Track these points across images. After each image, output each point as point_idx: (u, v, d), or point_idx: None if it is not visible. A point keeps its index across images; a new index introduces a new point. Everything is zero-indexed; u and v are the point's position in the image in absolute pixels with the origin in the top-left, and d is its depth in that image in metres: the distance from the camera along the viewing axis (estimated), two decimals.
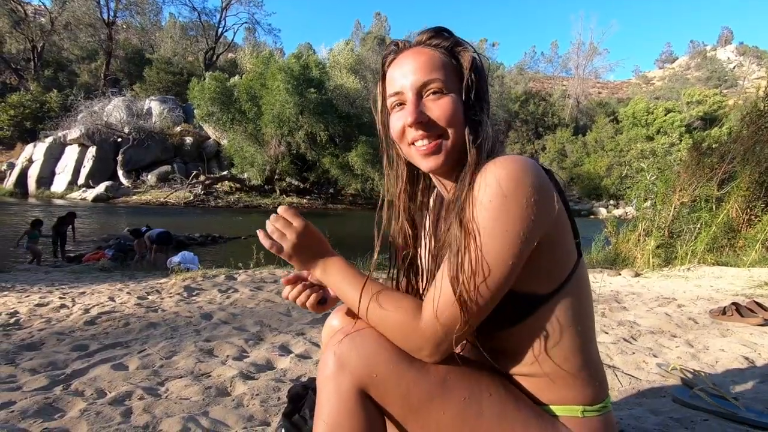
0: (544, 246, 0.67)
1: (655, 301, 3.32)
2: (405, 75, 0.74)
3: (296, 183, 26.37)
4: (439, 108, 0.72)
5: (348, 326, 0.76)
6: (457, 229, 0.67)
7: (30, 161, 25.71)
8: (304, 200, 25.73)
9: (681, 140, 31.49)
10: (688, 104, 37.94)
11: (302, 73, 22.57)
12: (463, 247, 0.65)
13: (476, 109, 0.73)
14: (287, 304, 3.26)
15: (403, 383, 0.69)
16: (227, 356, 2.14)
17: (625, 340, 2.33)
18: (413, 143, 0.75)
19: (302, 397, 1.19)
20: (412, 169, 0.84)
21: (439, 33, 0.76)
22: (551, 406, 0.75)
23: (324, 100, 23.25)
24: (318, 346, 2.28)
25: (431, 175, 0.83)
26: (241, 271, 4.80)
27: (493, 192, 0.64)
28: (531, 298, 0.70)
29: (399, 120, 0.75)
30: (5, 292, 4.03)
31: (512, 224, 0.63)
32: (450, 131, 0.73)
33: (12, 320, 2.98)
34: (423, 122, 0.73)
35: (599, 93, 64.05)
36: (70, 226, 9.33)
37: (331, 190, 26.66)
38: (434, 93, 0.73)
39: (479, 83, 0.74)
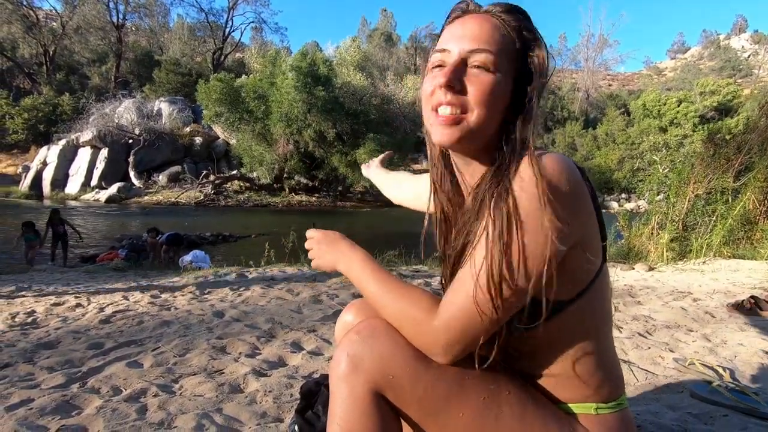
0: (574, 251, 0.64)
1: (670, 295, 3.26)
2: (458, 36, 0.67)
3: (305, 181, 26.47)
4: (478, 83, 0.65)
5: (361, 323, 0.74)
6: (482, 229, 0.64)
7: (44, 164, 26.16)
8: (313, 198, 25.81)
9: (694, 131, 30.91)
10: (701, 95, 37.21)
11: (310, 71, 22.60)
12: (489, 248, 0.62)
13: (532, 107, 0.66)
14: (298, 302, 3.27)
15: (419, 385, 0.67)
16: (240, 353, 2.15)
17: (640, 334, 2.30)
18: (436, 109, 0.68)
19: (315, 393, 1.19)
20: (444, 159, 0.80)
21: (513, 11, 0.68)
22: (568, 405, 0.74)
23: (331, 98, 23.26)
24: (329, 342, 2.28)
25: (453, 163, 0.77)
26: (251, 268, 4.84)
27: (531, 192, 0.60)
28: (552, 304, 0.67)
29: (433, 79, 0.68)
30: (23, 292, 4.11)
31: (547, 228, 0.59)
32: (477, 111, 0.65)
33: (29, 319, 3.04)
34: (454, 88, 0.66)
35: (609, 85, 63.13)
36: (63, 224, 8.35)
37: (340, 188, 26.71)
38: (479, 67, 0.65)
39: (541, 87, 0.67)
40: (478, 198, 0.68)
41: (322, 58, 24.36)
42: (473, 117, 0.66)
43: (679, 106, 33.87)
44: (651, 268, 4.53)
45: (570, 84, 49.93)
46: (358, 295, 3.52)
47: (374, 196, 25.69)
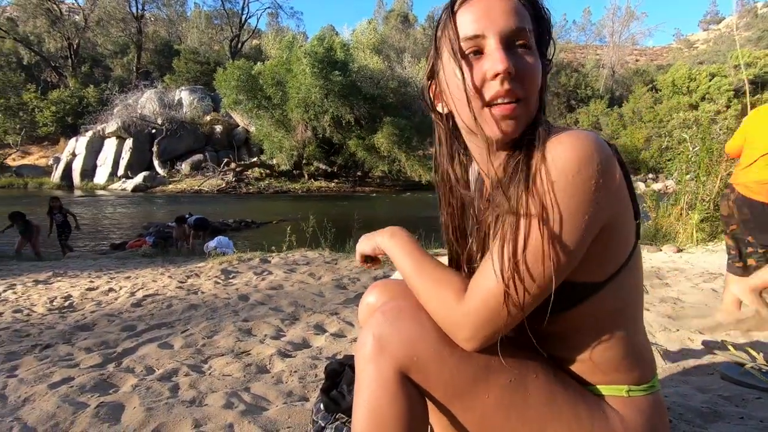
0: (605, 231, 0.61)
1: (700, 277, 3.17)
2: (489, 16, 0.61)
3: (324, 167, 26.59)
4: (529, 67, 0.61)
5: (386, 304, 0.73)
6: (509, 211, 0.61)
7: (73, 155, 27.04)
8: (332, 184, 25.93)
9: (729, 107, 29.45)
10: (735, 67, 35.29)
11: (326, 56, 22.46)
12: (515, 232, 0.60)
13: (546, 78, 0.66)
14: (320, 285, 3.32)
15: (445, 367, 0.66)
16: (265, 335, 2.21)
17: (668, 317, 2.25)
18: (491, 103, 0.62)
19: (339, 373, 1.21)
20: (451, 140, 0.76)
21: None
22: (597, 387, 0.73)
23: (348, 82, 23.11)
24: (352, 325, 2.32)
25: (472, 149, 0.74)
26: (274, 254, 4.92)
27: (557, 172, 0.57)
28: (584, 287, 0.65)
29: (477, 70, 0.62)
30: (59, 278, 4.30)
31: (576, 208, 0.57)
32: (531, 96, 0.63)
33: (66, 303, 3.19)
34: (513, 75, 0.60)
35: (636, 60, 60.58)
36: (62, 213, 7.98)
37: (359, 173, 26.73)
38: (524, 47, 0.61)
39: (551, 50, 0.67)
40: (504, 184, 0.65)
41: (338, 43, 24.14)
42: (529, 104, 0.63)
43: (711, 80, 32.27)
44: (680, 250, 4.40)
45: (594, 60, 48.13)
46: (379, 279, 3.55)
47: (393, 182, 25.65)
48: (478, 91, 0.62)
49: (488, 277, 0.62)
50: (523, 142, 0.64)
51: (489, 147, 0.66)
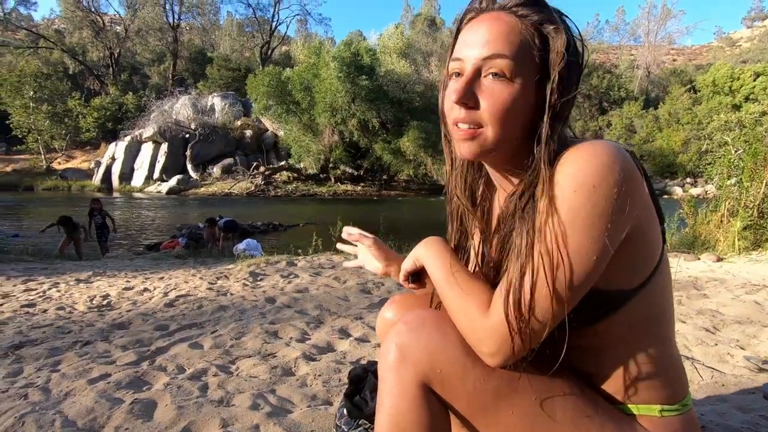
0: (631, 238, 0.60)
1: (742, 288, 3.00)
2: (471, 43, 0.63)
3: (350, 171, 26.84)
4: (491, 95, 0.62)
5: (408, 314, 0.73)
6: (529, 224, 0.61)
7: (113, 159, 28.40)
8: (358, 187, 26.13)
9: None
10: None
11: (353, 61, 22.73)
12: (538, 243, 0.59)
13: (558, 105, 0.61)
14: (345, 289, 3.35)
15: (468, 380, 0.65)
16: (291, 338, 2.25)
17: (706, 330, 2.14)
18: (456, 123, 0.66)
19: (363, 379, 1.22)
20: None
21: (530, 3, 0.63)
22: (628, 405, 0.70)
23: (375, 87, 23.30)
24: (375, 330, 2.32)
25: (488, 170, 0.75)
26: (300, 257, 5.00)
27: (579, 182, 0.57)
28: (616, 295, 0.64)
29: (449, 93, 0.66)
30: (98, 277, 4.52)
31: (599, 217, 0.57)
32: (492, 126, 0.63)
33: (104, 302, 3.34)
34: (467, 104, 0.63)
35: (674, 60, 58.29)
36: (101, 215, 8.26)
37: (385, 177, 26.84)
38: (495, 75, 0.62)
39: (569, 75, 0.62)
40: (518, 202, 0.65)
41: (365, 47, 24.39)
42: (489, 132, 0.64)
43: (756, 79, 30.65)
44: (720, 259, 4.19)
45: (628, 61, 46.67)
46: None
47: (419, 185, 25.60)
48: (449, 110, 0.67)
49: (512, 292, 0.61)
50: (535, 162, 0.63)
51: (455, 162, 0.77)
